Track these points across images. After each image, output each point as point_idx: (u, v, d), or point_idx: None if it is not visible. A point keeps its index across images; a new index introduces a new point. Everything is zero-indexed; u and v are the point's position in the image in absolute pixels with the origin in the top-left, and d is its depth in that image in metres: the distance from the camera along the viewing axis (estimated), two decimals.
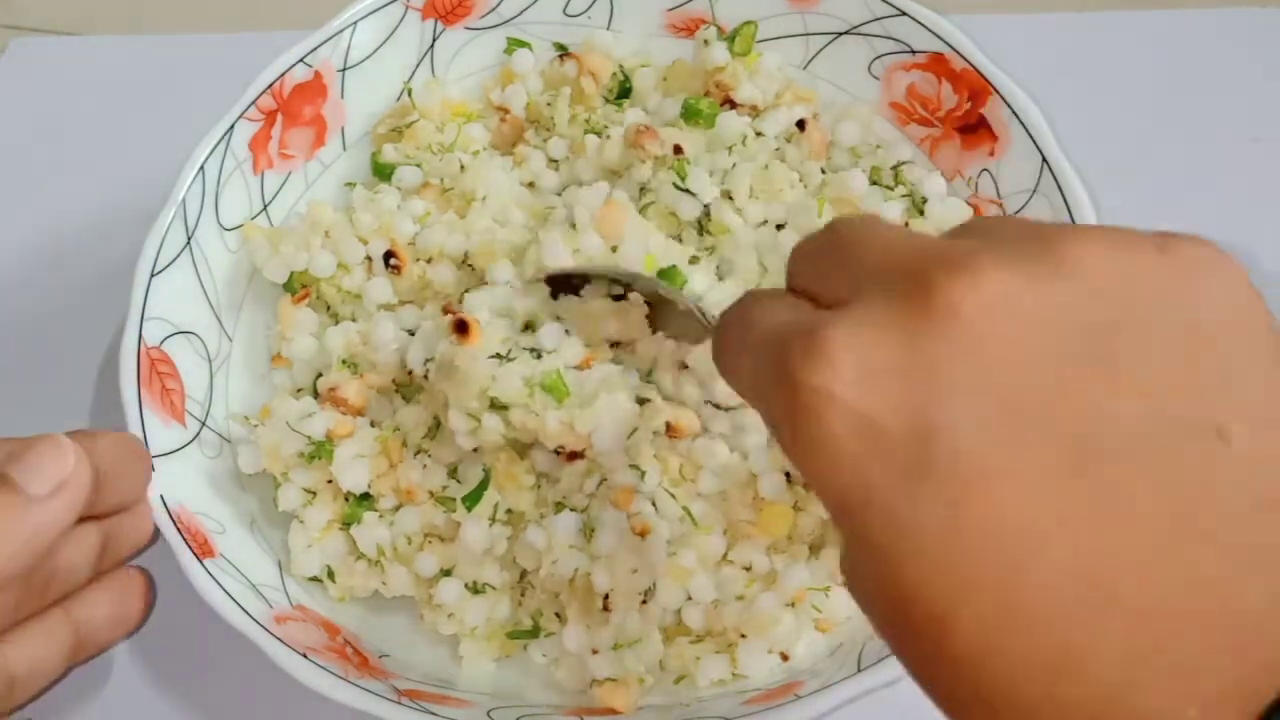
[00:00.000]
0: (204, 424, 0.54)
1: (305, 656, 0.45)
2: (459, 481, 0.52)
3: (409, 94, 0.62)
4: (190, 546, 0.48)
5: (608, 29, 0.64)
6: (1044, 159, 0.55)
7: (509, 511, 0.51)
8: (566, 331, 0.52)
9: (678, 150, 0.56)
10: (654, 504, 0.49)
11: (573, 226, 0.53)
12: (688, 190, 0.55)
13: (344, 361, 0.56)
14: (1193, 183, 0.66)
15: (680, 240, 0.56)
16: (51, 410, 0.63)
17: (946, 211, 0.56)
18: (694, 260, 0.54)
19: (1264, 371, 0.27)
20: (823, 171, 0.58)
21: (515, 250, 0.56)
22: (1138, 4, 0.75)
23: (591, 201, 0.54)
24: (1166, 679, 0.24)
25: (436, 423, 0.53)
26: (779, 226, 0.55)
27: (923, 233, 0.30)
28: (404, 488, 0.52)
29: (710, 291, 0.54)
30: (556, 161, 0.61)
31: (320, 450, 0.53)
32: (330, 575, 0.52)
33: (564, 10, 0.63)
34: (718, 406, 0.50)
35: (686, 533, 0.50)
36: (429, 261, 0.58)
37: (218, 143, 0.57)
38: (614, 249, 0.54)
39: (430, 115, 0.62)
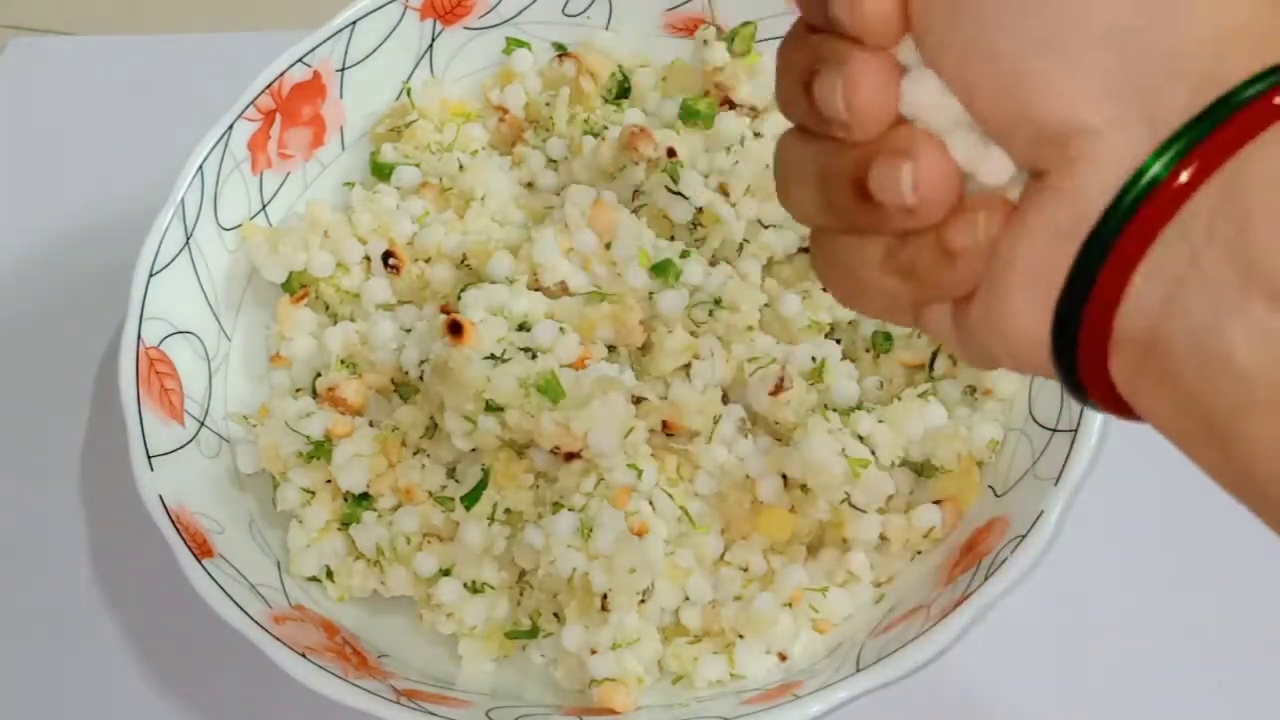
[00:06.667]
0: (203, 424, 0.54)
1: (304, 656, 0.45)
2: (458, 481, 0.52)
3: (408, 94, 0.62)
4: (189, 546, 0.48)
5: (606, 29, 0.64)
6: None
7: (508, 511, 0.51)
8: (561, 329, 0.52)
9: (671, 153, 0.56)
10: (651, 503, 0.49)
11: (565, 225, 0.53)
12: (680, 194, 0.55)
13: (343, 361, 0.56)
14: None
15: (673, 241, 0.56)
16: (51, 409, 0.63)
17: None
18: (685, 254, 0.54)
19: None
20: None
21: (514, 250, 0.56)
22: None
23: (582, 200, 0.54)
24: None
25: (434, 423, 0.53)
26: (767, 227, 0.56)
27: None
28: (403, 487, 0.52)
29: (706, 280, 0.54)
30: (555, 161, 0.61)
31: (319, 450, 0.53)
32: (329, 575, 0.52)
33: (563, 10, 0.63)
34: None
35: (684, 532, 0.50)
36: (427, 261, 0.58)
37: (216, 143, 0.57)
38: (607, 246, 0.54)
39: (429, 115, 0.62)
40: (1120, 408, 0.26)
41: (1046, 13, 0.24)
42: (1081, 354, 0.25)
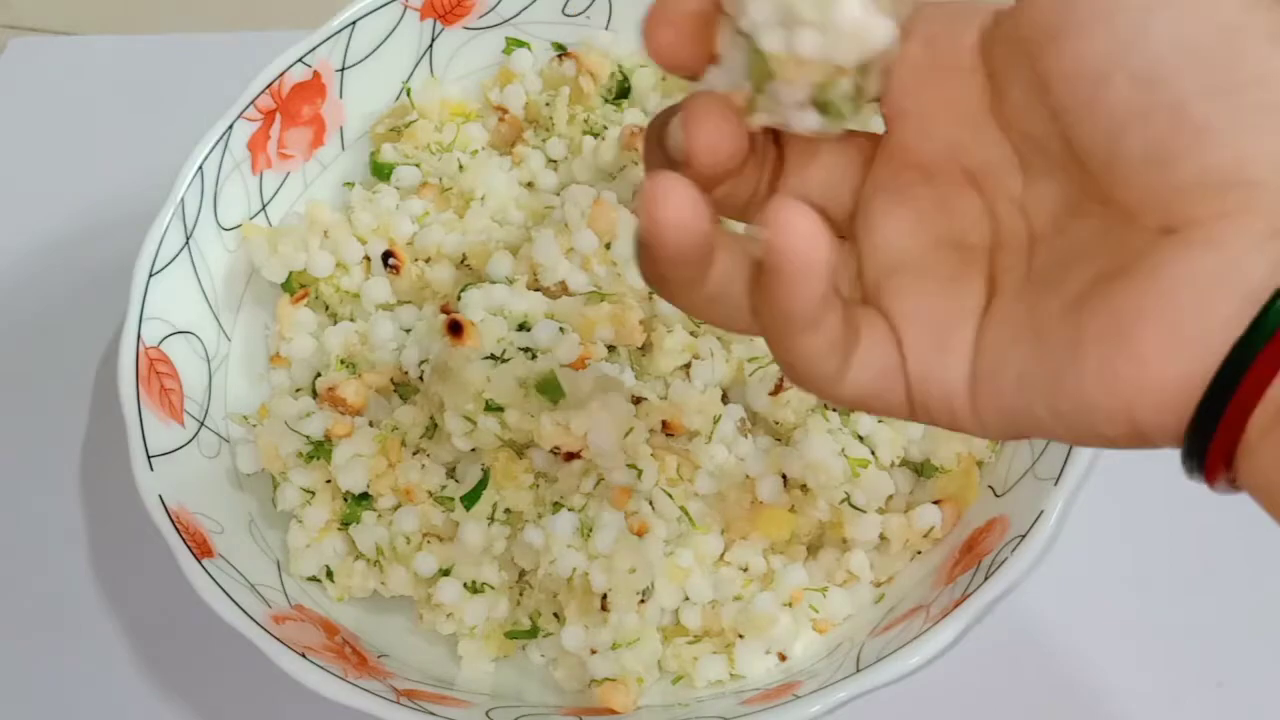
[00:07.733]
0: (202, 424, 0.54)
1: (304, 656, 0.45)
2: (457, 481, 0.52)
3: (408, 94, 0.62)
4: (189, 546, 0.48)
5: (606, 29, 0.64)
6: None
7: (508, 511, 0.51)
8: (561, 329, 0.52)
9: None
10: (651, 503, 0.49)
11: (565, 225, 0.53)
12: None
13: (342, 361, 0.56)
14: None
15: None
16: (50, 409, 0.63)
17: None
18: None
19: None
20: None
21: (514, 250, 0.56)
22: None
23: (583, 200, 0.54)
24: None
25: (434, 423, 0.53)
26: None
27: None
28: (403, 487, 0.52)
29: None
30: (555, 161, 0.61)
31: (319, 450, 0.53)
32: (329, 575, 0.52)
33: (563, 10, 0.63)
34: None
35: (684, 532, 0.50)
36: (427, 261, 0.58)
37: (216, 142, 0.57)
38: (607, 246, 0.54)
39: (429, 115, 0.62)
40: (1220, 473, 0.26)
41: (1226, 65, 0.24)
42: (1228, 413, 0.25)
